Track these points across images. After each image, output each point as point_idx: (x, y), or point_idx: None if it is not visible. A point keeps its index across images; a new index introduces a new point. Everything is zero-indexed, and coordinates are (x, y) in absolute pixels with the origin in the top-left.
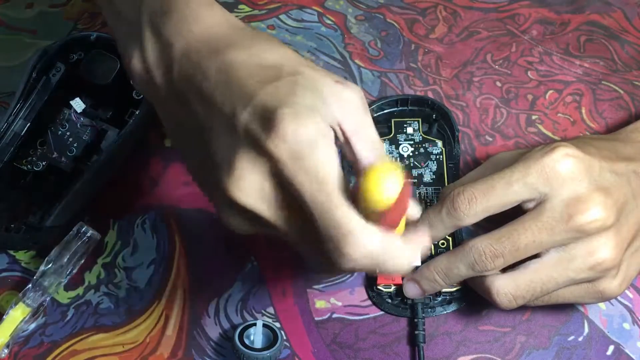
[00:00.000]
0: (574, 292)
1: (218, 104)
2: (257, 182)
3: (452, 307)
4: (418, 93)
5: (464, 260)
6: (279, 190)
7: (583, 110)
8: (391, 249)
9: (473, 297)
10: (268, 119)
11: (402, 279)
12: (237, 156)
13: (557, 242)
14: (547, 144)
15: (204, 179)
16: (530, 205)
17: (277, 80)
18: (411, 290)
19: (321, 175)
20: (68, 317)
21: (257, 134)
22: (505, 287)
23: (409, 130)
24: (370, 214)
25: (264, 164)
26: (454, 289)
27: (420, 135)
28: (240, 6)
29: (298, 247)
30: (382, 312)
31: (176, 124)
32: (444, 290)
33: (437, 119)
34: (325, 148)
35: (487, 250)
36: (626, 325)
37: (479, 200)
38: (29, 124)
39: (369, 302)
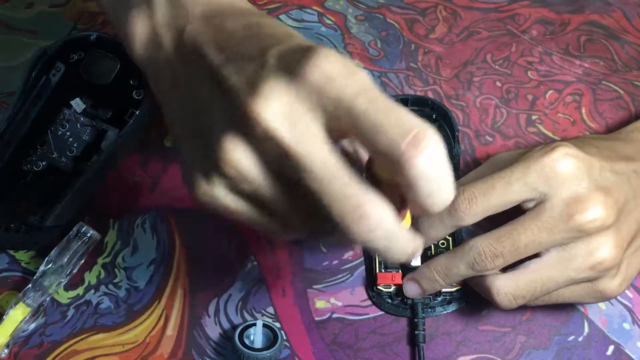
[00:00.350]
0: (574, 292)
1: (242, 50)
2: (285, 106)
3: (452, 307)
4: (418, 93)
5: (464, 260)
6: (304, 121)
7: (583, 110)
8: (401, 231)
9: (473, 297)
10: (307, 48)
11: (402, 278)
12: (265, 80)
13: (557, 241)
14: (547, 144)
15: (195, 143)
16: (530, 205)
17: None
18: (411, 290)
19: (374, 88)
20: (68, 317)
21: (294, 59)
22: (506, 287)
23: None
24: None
25: (296, 88)
26: (454, 289)
27: None
28: None
29: (290, 217)
30: (382, 312)
31: (172, 83)
32: (444, 290)
33: (437, 119)
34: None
35: (487, 249)
36: (626, 325)
37: (479, 200)
38: (29, 124)
39: (369, 302)
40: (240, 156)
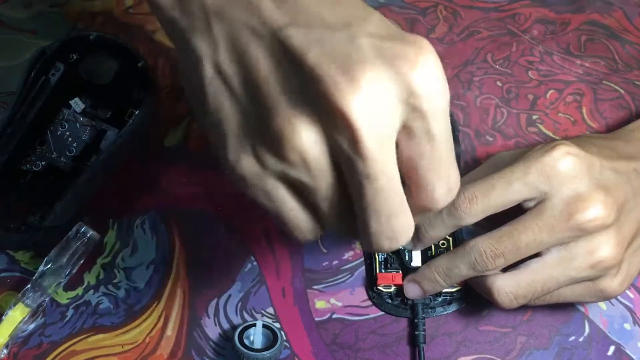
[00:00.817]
0: (575, 291)
1: (312, 12)
2: (376, 103)
3: (453, 308)
4: None
5: (465, 260)
6: (386, 126)
7: (584, 110)
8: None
9: (473, 298)
10: (410, 41)
11: (402, 279)
12: (361, 66)
13: (557, 240)
14: (547, 143)
15: (241, 108)
16: (531, 204)
17: None
18: (412, 291)
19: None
20: (67, 318)
21: (397, 51)
22: (506, 287)
23: None
24: None
25: (395, 87)
26: (455, 289)
27: None
28: None
29: (329, 218)
30: (382, 313)
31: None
32: (444, 290)
33: None
34: None
35: (488, 249)
36: (627, 326)
37: (479, 200)
38: (28, 124)
39: (369, 303)
40: (310, 144)
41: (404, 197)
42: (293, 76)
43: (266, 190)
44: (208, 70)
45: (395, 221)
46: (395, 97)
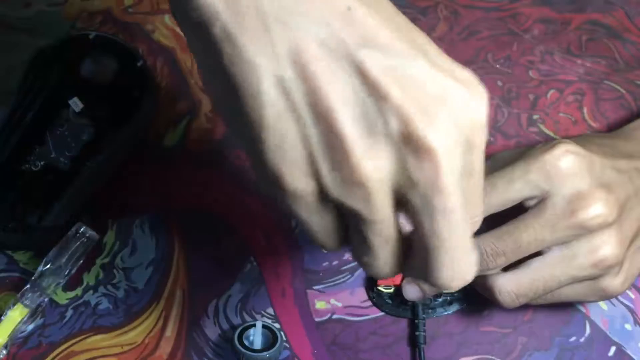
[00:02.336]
0: (577, 290)
1: (386, 38)
2: (455, 139)
3: (453, 308)
4: None
5: None
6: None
7: (585, 110)
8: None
9: (474, 298)
10: (468, 82)
11: (401, 280)
12: (442, 104)
13: (559, 239)
14: (548, 142)
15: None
16: (532, 202)
17: None
18: (411, 293)
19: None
20: (66, 318)
21: (461, 94)
22: (508, 286)
23: None
24: None
25: (460, 127)
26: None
27: None
28: None
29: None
30: (382, 313)
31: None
32: (444, 291)
33: None
34: None
35: (489, 248)
36: (628, 326)
37: None
38: (27, 124)
39: (369, 303)
40: (380, 175)
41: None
42: (369, 104)
43: (316, 212)
44: (269, 87)
45: (466, 259)
46: (460, 137)
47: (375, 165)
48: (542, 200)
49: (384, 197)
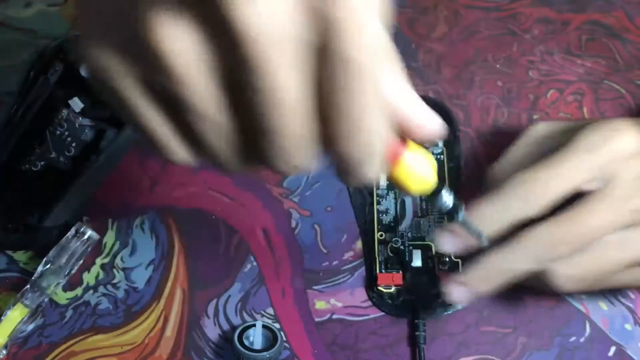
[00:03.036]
0: (635, 275)
1: None
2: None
3: (453, 308)
4: (418, 93)
5: (524, 252)
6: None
7: (585, 110)
8: None
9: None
10: None
11: (403, 279)
12: None
13: (622, 224)
14: (595, 121)
15: None
16: (592, 186)
17: None
18: (459, 296)
19: None
20: (66, 318)
21: None
22: (567, 269)
23: None
24: None
25: None
26: None
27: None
28: None
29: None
30: (382, 313)
31: None
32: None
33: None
34: None
35: (548, 237)
36: (628, 326)
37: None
38: (27, 124)
39: (369, 303)
40: (183, 44)
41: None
42: None
43: (122, 93)
44: None
45: (300, 150)
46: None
47: (176, 33)
48: (606, 183)
49: (195, 71)
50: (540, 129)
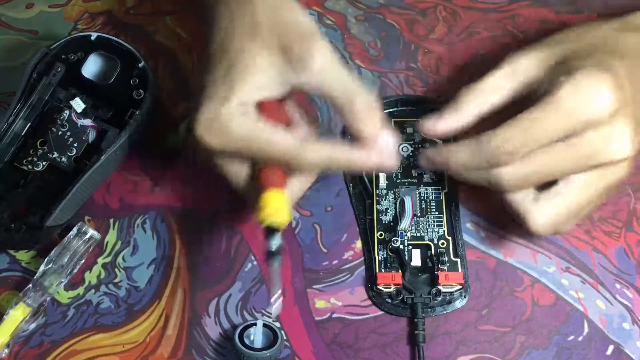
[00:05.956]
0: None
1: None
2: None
3: (452, 307)
4: (418, 93)
5: (478, 152)
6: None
7: None
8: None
9: (473, 298)
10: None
11: (402, 278)
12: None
13: (570, 128)
14: (578, 70)
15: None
16: (541, 91)
17: None
18: (424, 161)
19: None
20: (68, 317)
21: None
22: (545, 209)
23: (409, 130)
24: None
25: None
26: (455, 289)
27: (421, 135)
28: None
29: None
30: (382, 312)
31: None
32: (443, 290)
33: None
34: None
35: (499, 139)
36: (626, 325)
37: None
38: (29, 124)
39: (369, 302)
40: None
41: None
42: None
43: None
44: None
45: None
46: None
47: None
48: (553, 89)
49: None
50: (521, 62)
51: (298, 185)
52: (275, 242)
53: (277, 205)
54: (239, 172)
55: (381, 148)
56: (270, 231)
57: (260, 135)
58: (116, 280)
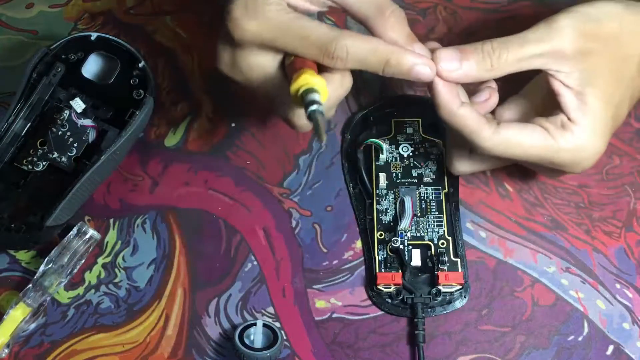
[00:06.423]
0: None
1: None
2: None
3: (452, 307)
4: (418, 93)
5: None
6: None
7: None
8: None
9: (473, 298)
10: None
11: (402, 278)
12: None
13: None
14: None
15: None
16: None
17: None
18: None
19: None
20: (68, 317)
21: None
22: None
23: (409, 130)
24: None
25: None
26: (455, 289)
27: (421, 135)
28: None
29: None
30: (382, 312)
31: None
32: (443, 290)
33: (437, 119)
34: None
35: (488, 46)
36: (626, 325)
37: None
38: (29, 124)
39: (369, 302)
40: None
41: None
42: None
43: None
44: None
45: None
46: None
47: None
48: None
49: None
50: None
51: (332, 87)
52: (315, 97)
53: (314, 78)
54: (270, 65)
55: (418, 52)
56: (309, 93)
57: (296, 22)
58: (116, 280)
